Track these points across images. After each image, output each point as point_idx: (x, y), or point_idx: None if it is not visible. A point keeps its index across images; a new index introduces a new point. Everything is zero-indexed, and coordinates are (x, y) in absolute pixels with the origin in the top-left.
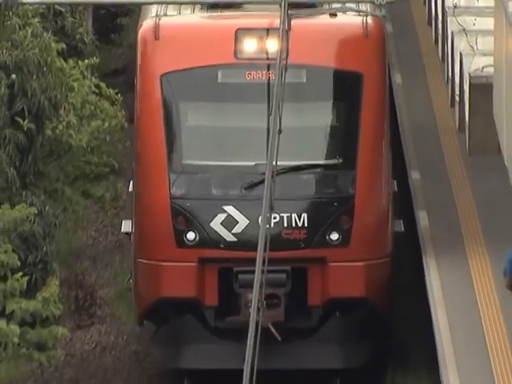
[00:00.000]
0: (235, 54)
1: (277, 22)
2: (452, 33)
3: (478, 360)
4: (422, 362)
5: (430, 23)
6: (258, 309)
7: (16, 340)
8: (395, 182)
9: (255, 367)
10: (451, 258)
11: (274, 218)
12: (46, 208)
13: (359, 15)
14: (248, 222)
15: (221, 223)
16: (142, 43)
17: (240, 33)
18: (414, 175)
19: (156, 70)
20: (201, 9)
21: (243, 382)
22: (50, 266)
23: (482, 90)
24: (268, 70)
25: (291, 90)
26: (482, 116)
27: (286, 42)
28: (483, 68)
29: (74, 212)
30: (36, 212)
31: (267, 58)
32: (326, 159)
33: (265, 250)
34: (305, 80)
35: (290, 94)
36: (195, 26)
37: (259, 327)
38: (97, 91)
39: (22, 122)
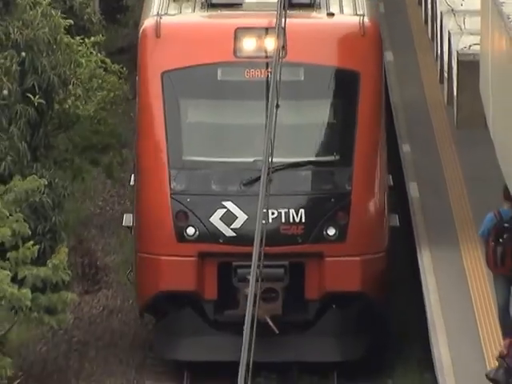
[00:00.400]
0: (235, 52)
1: (275, 22)
2: (441, 13)
3: (468, 335)
4: (415, 358)
5: (420, 4)
6: (255, 302)
7: (28, 304)
8: (390, 176)
9: (251, 359)
10: (441, 225)
11: (272, 213)
12: (56, 180)
13: (356, 15)
14: (247, 217)
15: (220, 218)
16: (144, 41)
17: (239, 32)
18: (405, 148)
19: (157, 67)
20: (201, 8)
21: (239, 373)
22: (58, 235)
23: (469, 67)
24: (267, 68)
25: (289, 88)
26: (469, 92)
27: (284, 40)
28: (470, 46)
29: (82, 181)
30: (46, 183)
31: (266, 57)
32: (323, 156)
33: (261, 245)
34: (303, 78)
35: (288, 91)
36: (196, 24)
37: (255, 320)
38: (103, 66)
39: (32, 97)
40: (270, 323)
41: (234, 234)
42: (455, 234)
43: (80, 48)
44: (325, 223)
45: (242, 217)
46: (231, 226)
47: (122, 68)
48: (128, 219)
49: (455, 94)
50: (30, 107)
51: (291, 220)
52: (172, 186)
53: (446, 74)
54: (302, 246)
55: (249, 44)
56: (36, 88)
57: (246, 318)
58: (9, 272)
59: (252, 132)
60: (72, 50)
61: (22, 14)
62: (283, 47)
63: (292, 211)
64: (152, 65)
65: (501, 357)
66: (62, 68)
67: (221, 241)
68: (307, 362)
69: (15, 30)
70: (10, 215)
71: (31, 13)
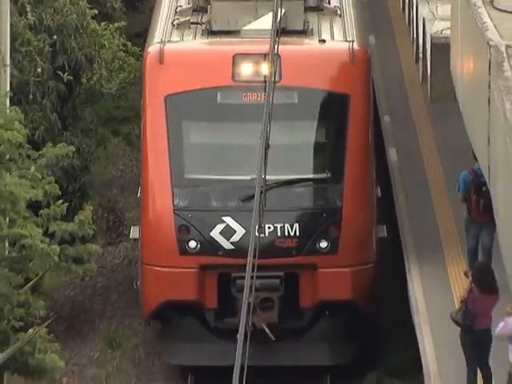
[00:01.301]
0: (233, 77)
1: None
2: (416, 1)
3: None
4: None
5: None
6: (249, 309)
7: (56, 258)
8: (379, 187)
9: (245, 364)
10: (416, 187)
11: (269, 227)
12: (83, 146)
13: (346, 41)
14: (244, 231)
15: (220, 232)
16: (148, 67)
17: (237, 57)
18: (386, 119)
19: (161, 91)
20: (202, 35)
21: (233, 376)
22: (86, 194)
23: (441, 48)
24: (263, 91)
25: (284, 110)
26: (441, 70)
27: (279, 66)
28: (442, 30)
29: (105, 148)
30: (74, 149)
31: (262, 81)
32: (315, 174)
33: (254, 257)
34: (296, 101)
35: (282, 113)
36: (197, 51)
37: (249, 326)
38: (124, 49)
39: (62, 74)
40: (267, 331)
41: (233, 247)
42: (429, 194)
43: (104, 33)
44: (317, 237)
45: (240, 231)
46: (230, 240)
47: (140, 51)
48: (135, 232)
49: (429, 72)
50: (60, 83)
51: (286, 234)
52: (175, 203)
53: (420, 55)
54: (296, 258)
55: (246, 69)
56: (66, 66)
57: (241, 323)
58: (41, 227)
59: (249, 152)
60: (97, 34)
61: (53, 2)
62: (278, 72)
63: (287, 225)
64: (156, 89)
65: (461, 301)
66: (88, 49)
67: (220, 253)
68: (302, 366)
69: (47, 16)
70: (43, 178)
71: (61, 1)
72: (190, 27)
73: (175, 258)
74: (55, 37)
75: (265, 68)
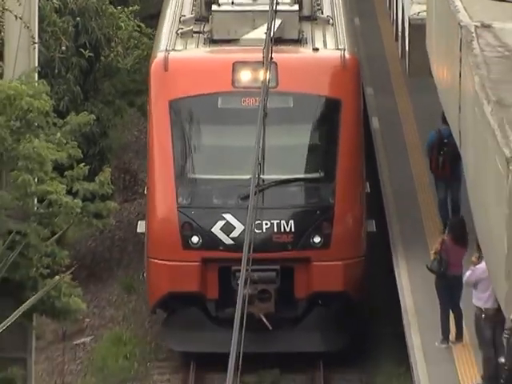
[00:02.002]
0: (233, 83)
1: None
2: None
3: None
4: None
5: None
6: (245, 300)
7: (79, 210)
8: (368, 183)
9: (241, 350)
10: (395, 148)
11: (266, 224)
12: (102, 115)
13: (338, 49)
14: (243, 227)
15: (220, 229)
16: (154, 74)
17: (237, 65)
18: (369, 91)
19: (165, 96)
20: (204, 43)
21: (229, 361)
22: (104, 157)
23: (418, 28)
24: (262, 96)
25: (280, 114)
26: (418, 48)
27: (276, 73)
28: (419, 13)
29: (122, 117)
30: (94, 118)
31: (260, 87)
32: (309, 173)
33: (249, 252)
34: (292, 105)
35: (279, 117)
36: (199, 59)
37: (245, 314)
38: (138, 29)
39: (84, 52)
40: (264, 320)
41: (233, 242)
42: (406, 154)
43: (120, 15)
44: (311, 232)
45: (239, 227)
46: (230, 235)
47: (153, 31)
48: (142, 226)
49: (407, 49)
50: (82, 59)
51: (282, 230)
52: (178, 201)
53: (400, 34)
54: (291, 252)
55: (245, 76)
56: (87, 45)
57: (236, 311)
58: (65, 186)
59: (247, 153)
60: (114, 17)
61: None
62: (275, 78)
63: (283, 222)
64: (161, 94)
65: (435, 252)
66: (107, 30)
67: (221, 248)
68: (297, 353)
69: (71, 0)
70: (67, 143)
71: None
72: (192, 36)
73: (179, 253)
74: (78, 19)
75: (262, 75)
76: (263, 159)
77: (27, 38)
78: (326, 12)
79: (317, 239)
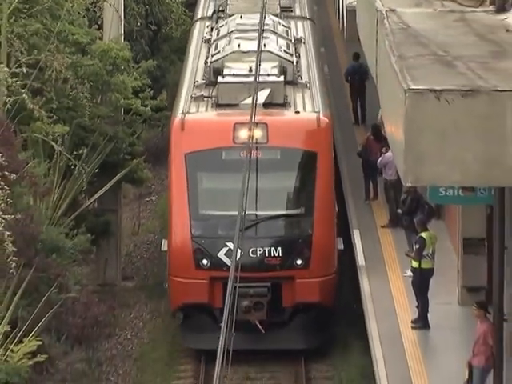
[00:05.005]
0: (234, 139)
1: (261, 118)
2: None
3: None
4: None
5: None
6: (234, 303)
7: (150, 113)
8: (336, 203)
9: (231, 347)
10: (336, 83)
11: (259, 250)
12: (162, 64)
13: (314, 112)
14: (242, 253)
15: (224, 254)
16: (174, 132)
17: (237, 125)
18: (322, 49)
19: (182, 150)
20: (212, 106)
21: (217, 354)
22: (163, 88)
23: (351, 11)
24: (256, 150)
25: (270, 164)
26: (351, 23)
27: (266, 131)
28: (352, 2)
29: (174, 66)
30: (157, 65)
31: (255, 143)
32: (293, 210)
33: (236, 270)
34: (279, 157)
35: (269, 166)
36: (208, 120)
37: (231, 315)
38: (184, 13)
39: (151, 26)
40: (258, 325)
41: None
42: (344, 84)
43: (173, 4)
44: (295, 256)
45: (239, 253)
46: (232, 259)
47: (192, 15)
48: (165, 245)
49: (345, 25)
50: (150, 30)
51: (272, 254)
52: (192, 232)
53: (340, 16)
54: (279, 272)
55: (244, 134)
56: (152, 22)
57: (224, 313)
58: (140, 102)
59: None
60: (169, 5)
61: None
62: (265, 136)
63: (273, 248)
64: (179, 148)
65: (363, 145)
66: (165, 13)
67: (225, 269)
68: (284, 349)
69: None
70: (140, 77)
71: None
72: (203, 99)
73: (192, 272)
74: (147, 6)
75: (256, 133)
76: (256, 198)
77: (117, 17)
78: (304, 77)
79: (299, 261)
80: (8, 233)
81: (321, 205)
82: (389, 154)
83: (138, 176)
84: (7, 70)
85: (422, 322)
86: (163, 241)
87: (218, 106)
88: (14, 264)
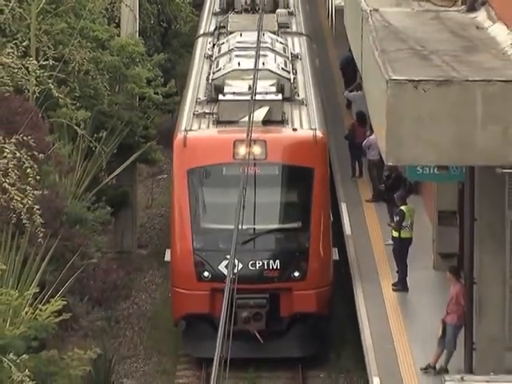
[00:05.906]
0: (233, 156)
1: (260, 135)
2: None
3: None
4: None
5: None
6: (231, 312)
7: (161, 99)
8: (331, 214)
9: (229, 355)
10: (324, 72)
11: (259, 262)
12: (171, 57)
13: (311, 129)
14: (242, 265)
15: (225, 266)
16: (176, 149)
17: (236, 142)
18: (315, 44)
19: (184, 166)
20: (213, 123)
21: (214, 363)
22: (173, 78)
23: (339, 11)
24: (254, 166)
25: (269, 179)
26: (339, 21)
27: (265, 148)
28: (340, 3)
29: (183, 59)
30: (167, 57)
31: (254, 159)
32: (290, 224)
33: (233, 282)
34: (277, 173)
35: (267, 181)
36: (209, 137)
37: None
38: (192, 12)
39: (162, 23)
40: (257, 335)
41: (234, 277)
42: (333, 72)
43: (182, 4)
44: (292, 269)
45: (239, 265)
46: (228, 271)
47: (198, 14)
48: (168, 255)
49: (334, 22)
50: (161, 28)
51: (271, 267)
52: (194, 245)
53: (330, 14)
54: (277, 284)
55: (243, 150)
56: (164, 20)
57: (221, 321)
58: (153, 90)
59: (246, 208)
60: (178, 4)
61: None
62: (265, 152)
63: (271, 261)
64: (181, 164)
65: (349, 129)
66: (174, 12)
67: (225, 281)
68: (282, 357)
69: None
70: (153, 69)
71: None
72: (205, 116)
73: (194, 284)
74: (159, 6)
75: (255, 150)
76: (255, 213)
77: (132, 16)
78: (301, 94)
79: (296, 274)
80: (36, 206)
81: (317, 219)
82: (372, 137)
83: (152, 157)
84: (36, 62)
85: (401, 285)
86: (166, 251)
87: (219, 123)
88: (41, 234)
